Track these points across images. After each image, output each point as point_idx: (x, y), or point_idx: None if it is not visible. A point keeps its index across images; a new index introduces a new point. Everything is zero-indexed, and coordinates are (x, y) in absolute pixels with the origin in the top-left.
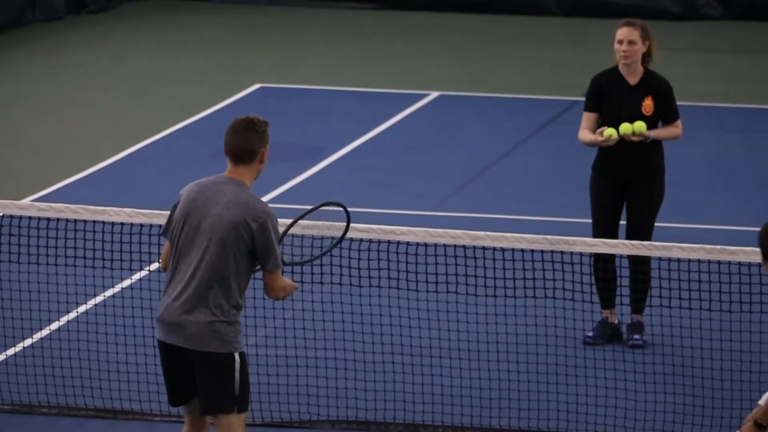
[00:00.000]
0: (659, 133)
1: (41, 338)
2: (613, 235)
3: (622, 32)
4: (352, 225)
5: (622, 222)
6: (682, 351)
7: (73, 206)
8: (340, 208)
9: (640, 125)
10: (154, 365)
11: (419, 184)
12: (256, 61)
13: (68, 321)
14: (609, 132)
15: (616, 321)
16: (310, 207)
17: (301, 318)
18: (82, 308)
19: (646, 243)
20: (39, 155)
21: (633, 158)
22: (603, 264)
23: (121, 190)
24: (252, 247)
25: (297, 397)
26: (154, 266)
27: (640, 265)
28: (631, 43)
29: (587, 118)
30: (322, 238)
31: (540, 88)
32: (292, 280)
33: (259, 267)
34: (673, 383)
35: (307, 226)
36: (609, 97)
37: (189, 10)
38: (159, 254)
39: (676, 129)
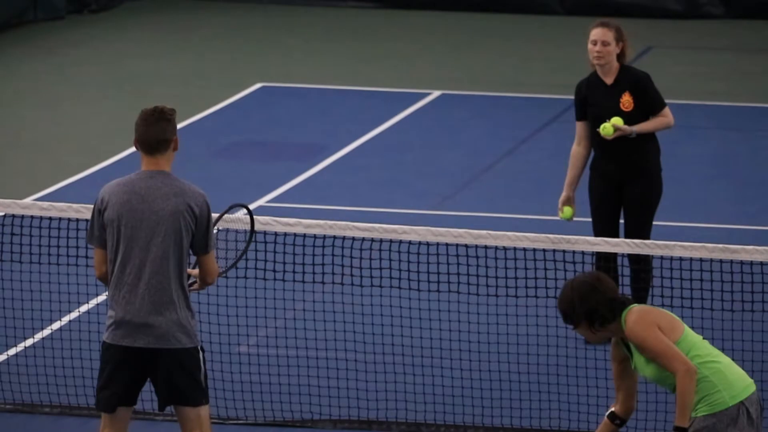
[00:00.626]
0: (645, 126)
1: (43, 338)
2: (613, 235)
3: (596, 33)
4: (354, 224)
5: (622, 221)
6: None
7: (75, 205)
8: (241, 208)
9: (614, 120)
10: None
11: (421, 183)
12: (258, 60)
13: (70, 320)
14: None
15: None
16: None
17: (303, 318)
18: (84, 308)
19: (647, 242)
20: (41, 154)
21: (626, 158)
22: (605, 263)
23: None
24: (195, 232)
25: (299, 397)
26: None
27: (641, 264)
28: (604, 43)
29: (579, 127)
30: (227, 231)
31: (542, 86)
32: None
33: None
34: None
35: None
36: (590, 100)
37: (190, 9)
38: None
39: (663, 118)
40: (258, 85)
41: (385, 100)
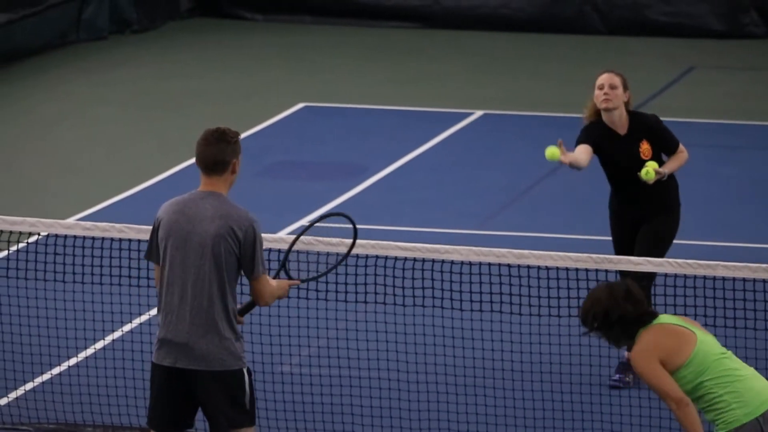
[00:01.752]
0: (672, 166)
1: (86, 357)
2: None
3: (604, 78)
4: (396, 244)
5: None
6: None
7: (117, 225)
8: (347, 220)
9: (652, 164)
10: None
11: (463, 203)
12: (300, 80)
13: (113, 340)
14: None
15: None
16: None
17: (345, 337)
18: (127, 327)
19: (690, 261)
20: (84, 174)
21: (651, 199)
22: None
23: None
24: (240, 255)
25: (341, 416)
26: None
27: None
28: (612, 86)
29: (579, 147)
30: (327, 254)
31: (584, 106)
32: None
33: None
34: None
35: (312, 243)
36: (604, 150)
37: (232, 28)
38: None
39: (682, 155)
40: (300, 105)
41: (427, 120)
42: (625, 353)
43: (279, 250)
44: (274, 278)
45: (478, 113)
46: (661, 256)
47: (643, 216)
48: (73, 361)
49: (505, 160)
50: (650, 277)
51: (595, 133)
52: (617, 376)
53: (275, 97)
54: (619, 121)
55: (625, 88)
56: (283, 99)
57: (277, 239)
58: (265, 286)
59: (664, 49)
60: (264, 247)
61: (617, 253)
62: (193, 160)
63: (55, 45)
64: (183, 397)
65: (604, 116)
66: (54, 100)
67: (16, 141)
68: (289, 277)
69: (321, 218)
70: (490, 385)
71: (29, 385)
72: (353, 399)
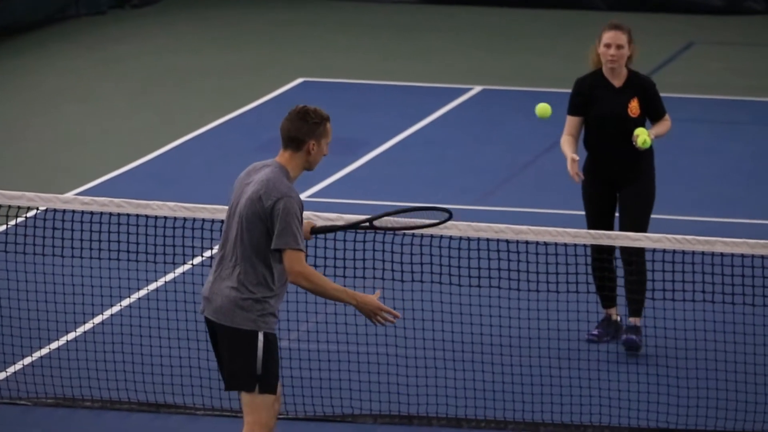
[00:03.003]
0: (660, 130)
1: (84, 332)
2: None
3: (610, 36)
4: (392, 219)
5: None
6: (725, 346)
7: (116, 200)
8: (446, 215)
9: (641, 131)
10: (197, 359)
11: (462, 179)
12: (299, 55)
13: (111, 315)
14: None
15: (618, 318)
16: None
17: (344, 312)
18: (125, 302)
19: (689, 237)
20: (82, 149)
21: (624, 160)
22: (598, 254)
23: (165, 184)
24: (270, 225)
25: (339, 392)
26: (197, 260)
27: (634, 265)
28: (619, 47)
29: (570, 122)
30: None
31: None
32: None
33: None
34: (716, 378)
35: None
36: (594, 100)
37: (231, 4)
38: (201, 248)
39: (667, 122)
40: (299, 80)
41: (426, 95)
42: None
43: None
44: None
45: (477, 88)
46: (647, 223)
47: (621, 178)
48: (71, 336)
49: (504, 135)
50: (641, 251)
51: (587, 87)
52: (632, 336)
53: (274, 71)
54: (618, 75)
55: (630, 42)
56: (282, 74)
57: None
58: (292, 263)
59: (664, 25)
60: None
61: (591, 219)
62: (191, 135)
63: (54, 20)
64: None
65: (605, 69)
66: (53, 74)
67: (15, 115)
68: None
69: (428, 209)
70: (488, 361)
71: (27, 360)
72: (351, 374)
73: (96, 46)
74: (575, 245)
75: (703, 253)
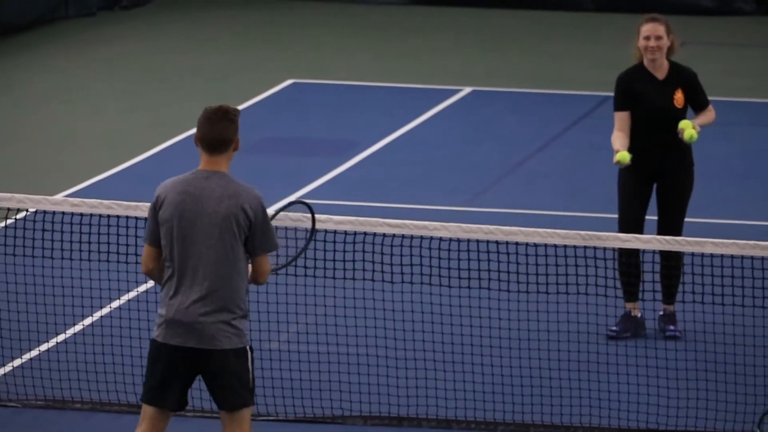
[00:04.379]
0: (704, 120)
1: (74, 334)
2: (639, 229)
3: (649, 28)
4: (385, 221)
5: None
6: (715, 347)
7: (106, 202)
8: (304, 207)
9: (686, 124)
10: None
11: (452, 180)
12: (289, 56)
13: (101, 316)
14: (621, 158)
15: (639, 315)
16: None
17: (333, 314)
18: (115, 304)
19: (678, 238)
20: (72, 150)
21: (666, 151)
22: (627, 258)
23: (154, 185)
24: (250, 234)
25: (329, 393)
26: None
27: (672, 260)
28: (658, 38)
29: (620, 118)
30: (295, 229)
31: (573, 83)
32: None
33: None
34: (705, 379)
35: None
36: (639, 94)
37: (221, 5)
38: None
39: (711, 113)
40: (289, 82)
41: (416, 96)
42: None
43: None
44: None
45: (467, 89)
46: (684, 213)
47: (662, 170)
48: (60, 337)
49: (494, 136)
50: (679, 257)
51: (630, 82)
52: (672, 327)
53: (264, 73)
54: (660, 67)
55: (669, 33)
56: (271, 75)
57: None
58: (267, 264)
59: None
60: None
61: (623, 211)
62: (182, 137)
63: (44, 21)
64: (189, 376)
65: (647, 62)
66: (43, 75)
67: (4, 116)
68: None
69: (283, 208)
70: (477, 362)
71: (17, 362)
72: (341, 376)
73: (85, 47)
74: (565, 246)
75: (693, 254)
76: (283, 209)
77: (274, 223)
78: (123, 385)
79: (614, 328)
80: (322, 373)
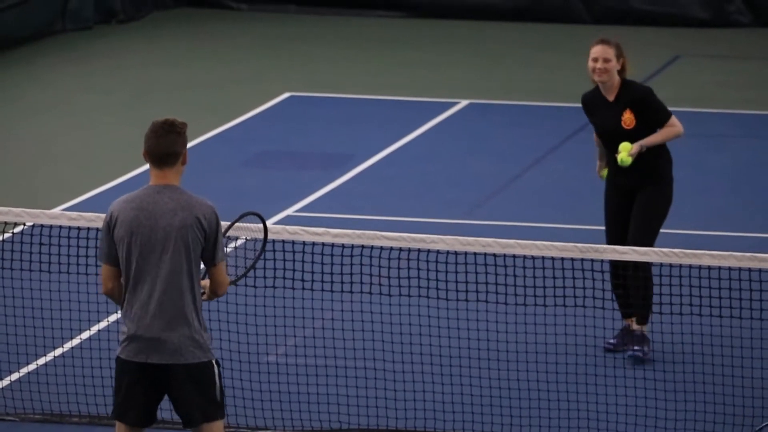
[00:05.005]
0: (653, 139)
1: (72, 347)
2: (624, 243)
3: (597, 50)
4: (382, 233)
5: None
6: (713, 359)
7: (103, 215)
8: (255, 217)
9: (624, 147)
10: None
11: (449, 193)
12: (286, 69)
13: (99, 330)
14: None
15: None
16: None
17: (331, 327)
18: (112, 317)
19: (676, 250)
20: (69, 164)
21: (637, 170)
22: (614, 270)
23: None
24: (205, 245)
25: (327, 406)
26: None
27: (639, 271)
28: (605, 60)
29: (593, 129)
30: (245, 239)
31: (570, 95)
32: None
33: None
34: (703, 392)
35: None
36: (593, 115)
37: (218, 18)
38: None
39: (671, 128)
40: (286, 95)
41: (413, 109)
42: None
43: (273, 240)
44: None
45: (464, 102)
46: (654, 231)
47: (633, 187)
48: (58, 351)
49: (491, 149)
50: (647, 267)
51: (587, 104)
52: (637, 347)
53: (261, 86)
54: (610, 88)
55: (619, 57)
56: (268, 88)
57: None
58: (223, 274)
59: (650, 38)
60: (245, 237)
61: (608, 226)
62: None
63: (40, 35)
64: (154, 392)
65: (593, 79)
66: (40, 89)
67: (1, 130)
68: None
69: (237, 220)
70: (476, 375)
71: (14, 376)
72: (339, 389)
73: (82, 60)
74: (562, 259)
75: (690, 266)
76: (237, 221)
77: (234, 233)
78: None
79: (611, 340)
80: (320, 386)
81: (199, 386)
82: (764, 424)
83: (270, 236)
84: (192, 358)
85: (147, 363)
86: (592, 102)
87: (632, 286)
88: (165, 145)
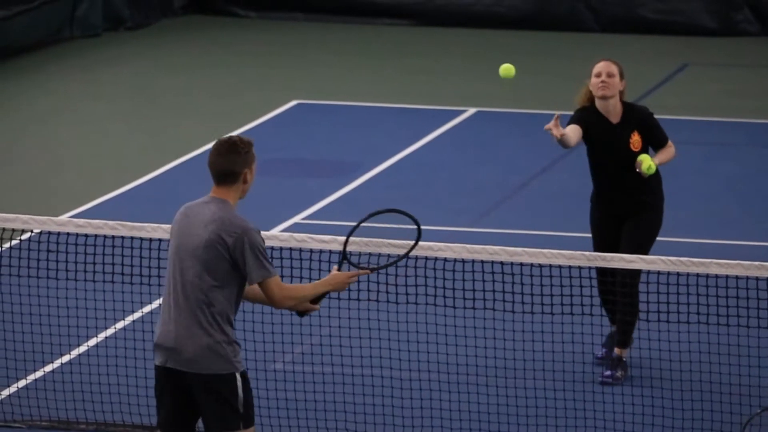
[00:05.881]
0: (662, 159)
1: (79, 354)
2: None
3: (601, 66)
4: (389, 241)
5: None
6: (720, 368)
7: (111, 222)
8: (411, 222)
9: (644, 158)
10: None
11: (457, 200)
12: (293, 77)
13: (106, 337)
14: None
15: None
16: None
17: (338, 335)
18: (119, 324)
19: (683, 259)
20: (77, 171)
21: (636, 191)
22: (602, 277)
23: (159, 206)
24: (233, 262)
25: (334, 414)
26: None
27: (627, 285)
28: (609, 75)
29: (571, 128)
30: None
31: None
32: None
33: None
34: (710, 400)
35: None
36: (594, 137)
37: (226, 26)
38: None
39: (670, 149)
40: (293, 103)
41: (421, 117)
42: (615, 350)
43: (272, 248)
44: (338, 270)
45: (472, 110)
46: (645, 247)
47: (627, 211)
48: (66, 358)
49: (498, 157)
50: (637, 274)
51: (588, 118)
52: (608, 372)
53: (268, 94)
54: (614, 110)
55: (622, 77)
56: (276, 96)
57: (270, 237)
58: (272, 291)
59: (657, 46)
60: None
61: (596, 249)
62: (186, 158)
63: (48, 42)
64: (182, 399)
65: (598, 104)
66: (48, 96)
67: (9, 137)
68: (352, 266)
69: (381, 212)
70: (483, 383)
71: (22, 383)
72: (346, 396)
73: (90, 68)
74: (570, 267)
75: (697, 275)
76: (375, 214)
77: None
78: (128, 405)
79: (599, 354)
80: (327, 394)
81: (217, 396)
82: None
83: (277, 243)
84: (210, 368)
85: (169, 368)
86: (593, 122)
87: (621, 303)
88: (223, 164)
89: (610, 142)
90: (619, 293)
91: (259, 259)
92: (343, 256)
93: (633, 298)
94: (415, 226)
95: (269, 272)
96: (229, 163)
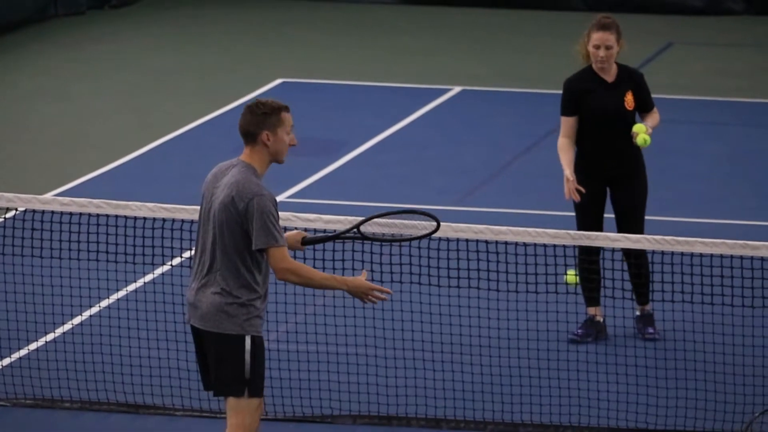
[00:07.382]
0: (653, 124)
1: (63, 333)
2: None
3: (600, 37)
4: (375, 220)
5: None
6: (704, 347)
7: (95, 201)
8: (432, 221)
9: (639, 128)
10: (176, 359)
11: (441, 179)
12: (279, 55)
13: (90, 316)
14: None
15: (601, 319)
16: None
17: (323, 313)
18: (104, 303)
19: (668, 238)
20: (61, 150)
21: (618, 156)
22: (587, 256)
23: (144, 184)
24: (247, 226)
25: (318, 392)
26: (176, 261)
27: (641, 258)
28: (608, 48)
29: (565, 123)
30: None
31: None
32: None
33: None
34: (695, 378)
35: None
36: (587, 97)
37: (210, 4)
38: (181, 249)
39: (657, 115)
40: (278, 81)
41: (406, 95)
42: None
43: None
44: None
45: (457, 89)
46: (643, 214)
47: (615, 176)
48: (50, 336)
49: (484, 136)
50: (645, 255)
51: (579, 88)
52: (651, 330)
53: (253, 72)
54: (609, 69)
55: (619, 37)
56: (261, 74)
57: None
58: (278, 260)
59: (643, 25)
60: None
61: (581, 219)
62: (171, 136)
63: (33, 20)
64: (205, 356)
65: (595, 66)
66: (32, 75)
67: None
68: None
69: (409, 212)
70: (467, 361)
71: (6, 361)
72: (330, 375)
73: (75, 46)
74: (554, 246)
75: (682, 254)
76: (409, 212)
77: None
78: (112, 384)
79: (577, 332)
80: (312, 372)
81: (223, 357)
82: (761, 411)
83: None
84: (218, 327)
85: (192, 325)
86: (585, 85)
87: (634, 273)
88: (241, 124)
89: (604, 99)
90: (632, 265)
91: (267, 226)
92: (357, 229)
93: (646, 268)
94: (435, 222)
95: (274, 241)
96: (245, 123)
